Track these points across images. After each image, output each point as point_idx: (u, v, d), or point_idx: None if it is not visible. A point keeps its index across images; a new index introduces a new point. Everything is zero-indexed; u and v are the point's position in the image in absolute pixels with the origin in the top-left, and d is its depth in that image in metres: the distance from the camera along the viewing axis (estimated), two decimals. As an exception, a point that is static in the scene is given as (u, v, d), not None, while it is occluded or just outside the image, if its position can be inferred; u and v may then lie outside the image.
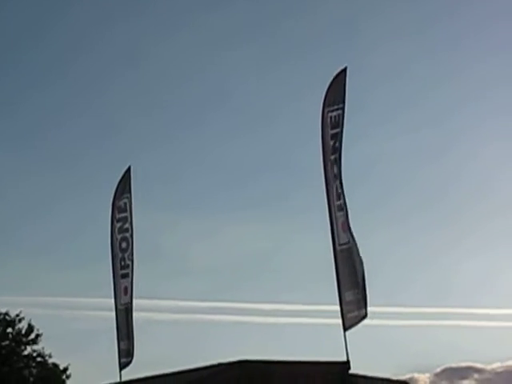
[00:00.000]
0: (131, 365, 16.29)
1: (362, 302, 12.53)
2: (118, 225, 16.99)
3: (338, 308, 12.75)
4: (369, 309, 12.61)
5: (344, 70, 13.46)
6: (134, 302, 16.71)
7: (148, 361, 18.40)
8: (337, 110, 13.17)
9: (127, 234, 16.82)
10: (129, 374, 16.25)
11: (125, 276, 16.64)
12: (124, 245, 16.77)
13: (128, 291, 16.55)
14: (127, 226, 16.82)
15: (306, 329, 49.87)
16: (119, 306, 16.68)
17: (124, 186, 17.35)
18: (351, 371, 12.50)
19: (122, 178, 17.34)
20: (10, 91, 64.70)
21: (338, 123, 13.23)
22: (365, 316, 12.56)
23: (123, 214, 17.10)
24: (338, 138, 13.15)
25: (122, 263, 16.65)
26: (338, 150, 13.14)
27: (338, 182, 13.01)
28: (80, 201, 54.16)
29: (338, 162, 13.02)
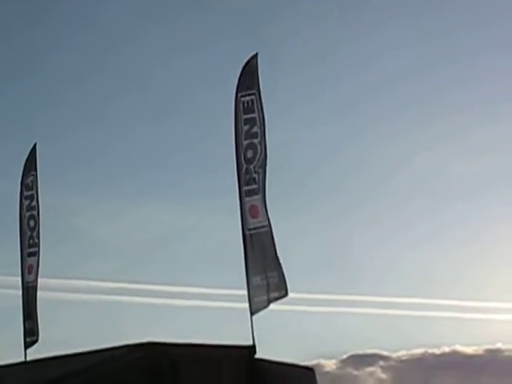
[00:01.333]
0: (37, 345, 15.69)
1: (273, 285, 12.23)
2: (26, 202, 16.52)
3: (242, 292, 12.41)
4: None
5: (255, 56, 13.20)
6: (44, 281, 16.18)
7: (56, 341, 17.63)
8: (249, 95, 12.87)
9: (34, 212, 16.37)
10: (34, 353, 15.43)
11: (32, 254, 16.19)
12: (32, 223, 16.35)
13: (34, 270, 16.07)
14: (34, 203, 16.37)
15: (213, 312, 50.60)
16: (25, 285, 16.21)
17: (30, 163, 16.77)
18: (257, 356, 12.24)
19: (29, 155, 16.81)
20: None
21: (253, 109, 12.86)
22: (279, 297, 12.25)
23: (30, 192, 16.60)
24: (253, 123, 12.77)
25: (31, 241, 16.20)
26: (256, 135, 12.68)
27: (251, 166, 12.61)
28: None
29: (255, 147, 12.60)
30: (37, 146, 16.74)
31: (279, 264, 12.25)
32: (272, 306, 12.35)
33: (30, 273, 16.12)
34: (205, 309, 51.83)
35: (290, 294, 12.62)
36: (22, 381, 12.92)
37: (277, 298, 12.14)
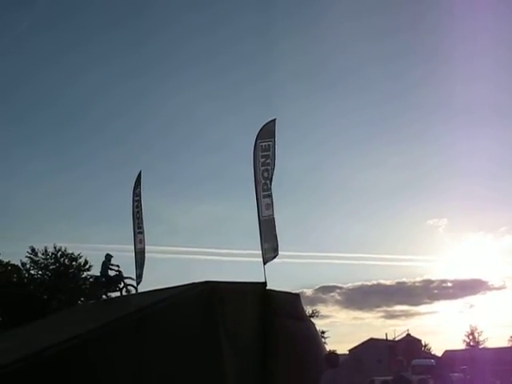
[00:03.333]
0: (142, 283, 21.94)
1: (273, 249, 17.11)
2: (135, 204, 22.99)
3: (260, 252, 17.04)
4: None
5: (274, 120, 18.09)
6: (147, 247, 22.78)
7: (154, 281, 23.90)
8: (267, 142, 17.87)
9: (139, 209, 22.71)
10: (141, 288, 21.06)
11: (140, 233, 22.50)
12: (138, 215, 22.90)
13: (142, 241, 22.53)
14: (139, 204, 22.65)
15: (242, 264, 66.19)
16: (137, 250, 22.48)
17: (138, 182, 22.94)
18: (267, 288, 16.52)
19: (137, 177, 23.07)
20: None
21: (269, 149, 17.81)
22: (275, 256, 17.06)
23: (137, 198, 23.01)
24: (267, 157, 17.69)
25: (139, 225, 22.68)
26: (269, 164, 17.65)
27: (266, 181, 17.54)
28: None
29: (269, 171, 17.52)
30: (141, 172, 23.09)
31: (276, 237, 17.30)
32: (274, 260, 17.17)
33: (140, 243, 22.39)
34: (237, 262, 67.66)
35: (283, 252, 17.94)
36: (131, 305, 16.89)
37: (274, 257, 17.04)
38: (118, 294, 20.38)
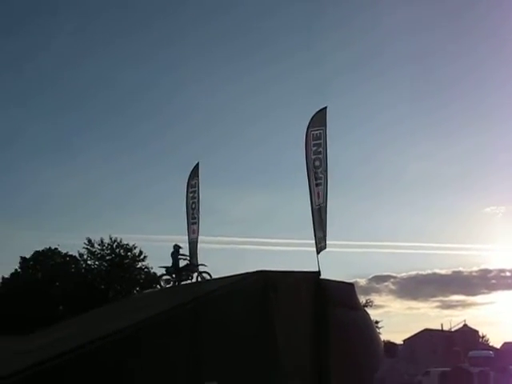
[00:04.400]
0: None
1: (324, 238, 17.14)
2: (190, 195, 23.16)
3: (313, 241, 17.08)
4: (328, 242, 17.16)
5: (325, 108, 17.96)
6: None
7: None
8: (318, 130, 17.77)
9: (195, 200, 22.88)
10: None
11: (194, 223, 22.74)
12: (193, 206, 23.01)
13: (196, 232, 22.72)
14: (195, 195, 22.91)
15: (294, 253, 66.73)
16: (190, 240, 22.70)
17: (195, 172, 23.19)
18: (321, 277, 16.43)
19: (194, 167, 23.25)
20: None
21: (320, 137, 17.72)
22: (324, 247, 17.03)
23: (193, 189, 23.10)
24: (319, 145, 17.63)
25: (193, 216, 22.94)
26: (320, 153, 17.51)
27: (318, 170, 17.44)
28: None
29: (320, 160, 17.44)
30: (199, 163, 23.34)
31: (325, 227, 17.27)
32: (327, 249, 17.15)
33: (193, 233, 22.73)
34: (289, 252, 68.22)
35: (336, 241, 18.13)
36: (188, 292, 17.29)
37: (325, 246, 17.04)
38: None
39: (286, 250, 76.24)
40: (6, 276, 51.69)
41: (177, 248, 21.16)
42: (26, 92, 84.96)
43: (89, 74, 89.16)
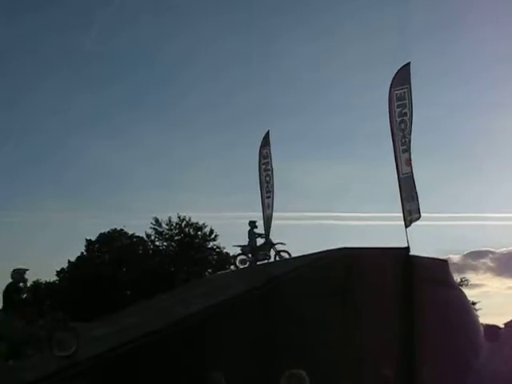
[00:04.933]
0: None
1: (415, 210, 16.88)
2: (263, 167, 23.20)
3: (401, 214, 16.79)
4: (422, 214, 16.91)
5: (408, 63, 17.64)
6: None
7: None
8: (402, 89, 17.50)
9: (269, 173, 22.89)
10: None
11: (268, 197, 22.79)
12: (267, 179, 23.04)
13: (270, 206, 22.79)
14: (268, 167, 22.98)
15: (378, 228, 65.32)
16: (265, 214, 22.92)
17: (265, 141, 23.26)
18: (411, 253, 16.28)
19: (265, 136, 23.22)
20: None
21: (405, 97, 17.47)
22: (418, 218, 16.86)
23: (266, 160, 23.14)
24: (404, 106, 17.38)
25: (267, 189, 22.83)
26: (406, 115, 17.29)
27: (404, 133, 17.19)
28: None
29: (406, 122, 17.21)
30: (269, 131, 23.51)
31: (417, 197, 17.10)
32: (416, 222, 17.02)
33: (268, 208, 22.84)
34: (373, 226, 67.25)
35: (426, 214, 17.57)
36: (262, 273, 17.58)
37: (417, 218, 16.87)
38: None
39: (369, 225, 75.22)
40: (72, 260, 53.06)
41: (252, 225, 21.21)
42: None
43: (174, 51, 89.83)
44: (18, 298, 12.96)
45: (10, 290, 12.99)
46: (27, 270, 13.12)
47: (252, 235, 21.09)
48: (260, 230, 22.37)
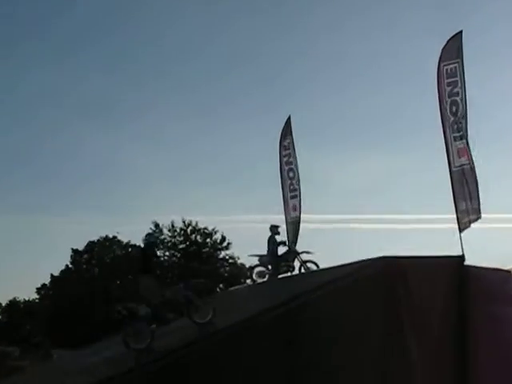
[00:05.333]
0: None
1: (473, 210, 16.75)
2: (285, 159, 23.16)
3: (454, 216, 16.63)
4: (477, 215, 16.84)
5: (460, 33, 17.52)
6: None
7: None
8: (453, 63, 17.36)
9: (292, 166, 22.90)
10: None
11: (293, 197, 22.68)
12: (291, 174, 22.94)
13: (297, 208, 22.64)
14: (291, 159, 22.97)
15: (426, 233, 64.24)
16: (290, 219, 22.83)
17: (287, 130, 23.39)
18: (466, 263, 16.10)
19: (285, 124, 23.36)
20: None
21: (456, 74, 17.38)
22: (477, 219, 16.76)
23: (287, 151, 23.21)
24: (455, 84, 17.28)
25: (291, 187, 22.73)
26: (458, 94, 17.21)
27: (456, 118, 17.12)
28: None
29: (458, 103, 17.18)
30: (291, 117, 23.60)
31: (477, 194, 16.91)
32: (474, 225, 16.91)
33: (294, 210, 22.87)
34: (417, 230, 65.95)
35: (487, 215, 16.90)
36: (297, 286, 17.67)
37: (475, 220, 16.75)
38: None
39: (414, 229, 74.34)
40: (56, 274, 53.23)
41: (274, 230, 21.14)
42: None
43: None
44: (157, 261, 16.63)
45: (150, 253, 16.15)
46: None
47: (273, 243, 20.90)
48: (282, 236, 22.47)
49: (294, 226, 22.90)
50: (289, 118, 23.74)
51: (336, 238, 69.17)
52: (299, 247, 22.29)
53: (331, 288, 15.62)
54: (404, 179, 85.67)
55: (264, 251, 21.73)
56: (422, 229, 72.05)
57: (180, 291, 16.14)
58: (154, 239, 16.97)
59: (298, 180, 23.25)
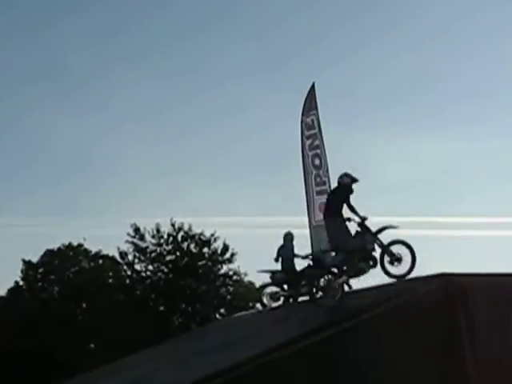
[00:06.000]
0: None
1: None
2: (308, 142, 22.79)
3: None
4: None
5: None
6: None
7: None
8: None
9: (319, 151, 22.49)
10: None
11: (320, 193, 22.22)
12: (317, 161, 22.47)
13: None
14: (317, 142, 22.55)
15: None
16: (314, 223, 22.40)
17: (310, 103, 22.91)
18: None
19: (307, 95, 22.82)
20: None
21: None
22: None
23: (312, 131, 22.96)
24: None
25: (317, 180, 22.29)
26: None
27: None
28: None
29: None
30: (315, 85, 23.12)
31: None
32: None
33: (320, 210, 21.43)
34: (490, 238, 66.24)
35: None
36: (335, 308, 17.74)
37: None
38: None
39: (483, 236, 74.20)
40: (3, 294, 53.46)
41: (290, 237, 21.03)
42: None
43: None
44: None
45: (346, 192, 17.91)
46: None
47: (288, 255, 20.91)
48: (302, 245, 22.27)
49: (319, 229, 21.87)
50: (313, 86, 23.41)
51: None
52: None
53: (377, 311, 16.28)
54: (472, 170, 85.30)
55: (277, 266, 21.55)
56: (493, 236, 71.90)
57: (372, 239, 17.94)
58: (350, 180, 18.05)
59: (327, 170, 22.92)
